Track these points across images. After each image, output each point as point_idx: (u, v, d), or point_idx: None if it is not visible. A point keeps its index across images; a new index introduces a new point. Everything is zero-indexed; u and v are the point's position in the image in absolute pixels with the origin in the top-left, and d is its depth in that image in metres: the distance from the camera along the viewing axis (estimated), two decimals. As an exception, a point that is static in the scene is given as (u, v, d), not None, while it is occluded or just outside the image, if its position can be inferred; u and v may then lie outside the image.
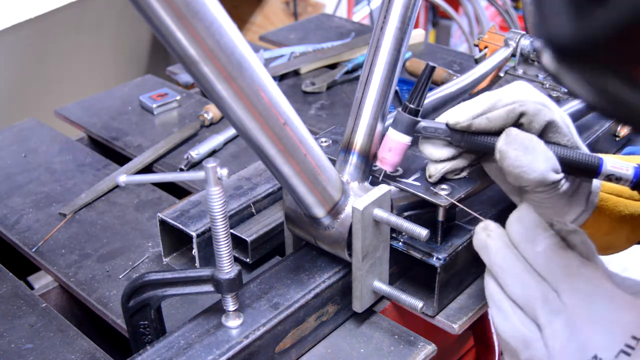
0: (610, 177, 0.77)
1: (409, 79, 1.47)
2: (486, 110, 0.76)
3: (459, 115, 0.77)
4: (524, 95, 0.77)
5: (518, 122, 0.77)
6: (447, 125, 0.78)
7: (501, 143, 0.75)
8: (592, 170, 0.76)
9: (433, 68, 0.77)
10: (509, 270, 0.66)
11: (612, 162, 0.76)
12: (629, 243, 0.93)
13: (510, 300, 0.66)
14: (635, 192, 0.83)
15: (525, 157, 0.74)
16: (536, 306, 0.64)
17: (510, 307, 0.66)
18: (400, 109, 0.80)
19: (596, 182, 0.82)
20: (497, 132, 0.77)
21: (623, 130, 1.21)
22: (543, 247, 0.65)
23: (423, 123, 0.79)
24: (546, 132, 0.77)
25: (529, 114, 0.76)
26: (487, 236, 0.68)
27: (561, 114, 0.79)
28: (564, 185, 0.77)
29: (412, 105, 0.79)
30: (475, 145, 0.78)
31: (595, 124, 1.17)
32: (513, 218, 0.68)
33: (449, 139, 0.78)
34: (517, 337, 0.65)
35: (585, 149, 0.80)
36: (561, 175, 0.76)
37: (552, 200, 0.78)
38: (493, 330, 0.71)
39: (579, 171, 0.77)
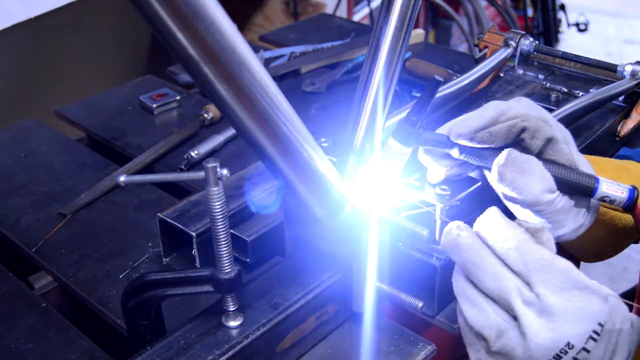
0: (604, 199, 0.77)
1: (409, 79, 1.47)
2: (488, 125, 0.76)
3: (461, 128, 0.77)
4: (526, 110, 0.77)
5: (519, 137, 0.77)
6: (448, 138, 0.78)
7: (499, 164, 0.75)
8: (587, 192, 0.77)
9: (438, 83, 0.75)
10: (482, 266, 0.67)
11: (608, 185, 0.76)
12: (615, 252, 0.93)
13: (483, 294, 0.67)
14: None
15: (522, 179, 0.74)
16: (510, 298, 0.65)
17: (484, 300, 0.67)
18: (402, 120, 0.79)
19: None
20: (499, 146, 0.77)
21: (623, 130, 1.21)
22: (514, 244, 0.66)
23: (424, 135, 0.78)
24: (546, 149, 0.78)
25: (530, 130, 0.76)
26: (457, 235, 0.68)
27: (563, 132, 0.79)
28: (560, 203, 0.77)
29: (414, 117, 0.78)
30: (476, 159, 0.78)
31: (595, 124, 1.17)
32: (482, 220, 0.69)
33: (449, 151, 0.78)
34: (490, 327, 0.66)
35: (584, 166, 0.80)
36: (555, 195, 0.76)
37: (547, 215, 0.78)
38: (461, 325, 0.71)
39: (574, 191, 0.78)
